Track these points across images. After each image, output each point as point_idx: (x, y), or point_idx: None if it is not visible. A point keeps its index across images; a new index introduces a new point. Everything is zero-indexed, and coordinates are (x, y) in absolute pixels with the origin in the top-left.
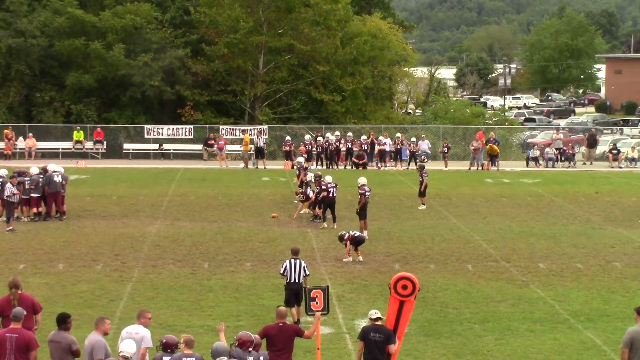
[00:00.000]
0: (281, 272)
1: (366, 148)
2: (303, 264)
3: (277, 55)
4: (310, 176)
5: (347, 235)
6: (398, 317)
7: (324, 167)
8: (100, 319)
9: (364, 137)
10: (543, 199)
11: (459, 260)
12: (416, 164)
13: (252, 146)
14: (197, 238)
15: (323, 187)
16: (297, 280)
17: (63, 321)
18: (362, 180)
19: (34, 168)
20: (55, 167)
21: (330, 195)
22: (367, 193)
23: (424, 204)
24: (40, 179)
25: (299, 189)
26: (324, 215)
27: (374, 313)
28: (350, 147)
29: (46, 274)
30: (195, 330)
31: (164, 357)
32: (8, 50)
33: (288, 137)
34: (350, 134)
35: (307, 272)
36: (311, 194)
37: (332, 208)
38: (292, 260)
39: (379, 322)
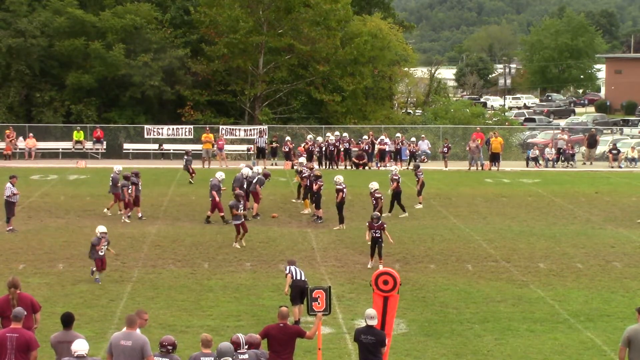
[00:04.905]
0: (286, 271)
1: (367, 147)
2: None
3: (277, 55)
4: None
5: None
6: (384, 313)
7: (324, 167)
8: (139, 312)
9: (365, 137)
10: (543, 199)
11: (459, 260)
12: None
13: (253, 146)
14: (197, 238)
15: (338, 187)
16: (302, 278)
17: (73, 320)
18: (375, 185)
19: (245, 169)
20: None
21: (343, 195)
22: (381, 197)
23: (420, 203)
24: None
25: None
26: (312, 204)
27: (370, 316)
28: (347, 147)
29: (46, 274)
30: (195, 330)
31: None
32: (8, 50)
33: (288, 137)
34: (346, 134)
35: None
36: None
37: (340, 209)
38: (293, 267)
39: (373, 323)
